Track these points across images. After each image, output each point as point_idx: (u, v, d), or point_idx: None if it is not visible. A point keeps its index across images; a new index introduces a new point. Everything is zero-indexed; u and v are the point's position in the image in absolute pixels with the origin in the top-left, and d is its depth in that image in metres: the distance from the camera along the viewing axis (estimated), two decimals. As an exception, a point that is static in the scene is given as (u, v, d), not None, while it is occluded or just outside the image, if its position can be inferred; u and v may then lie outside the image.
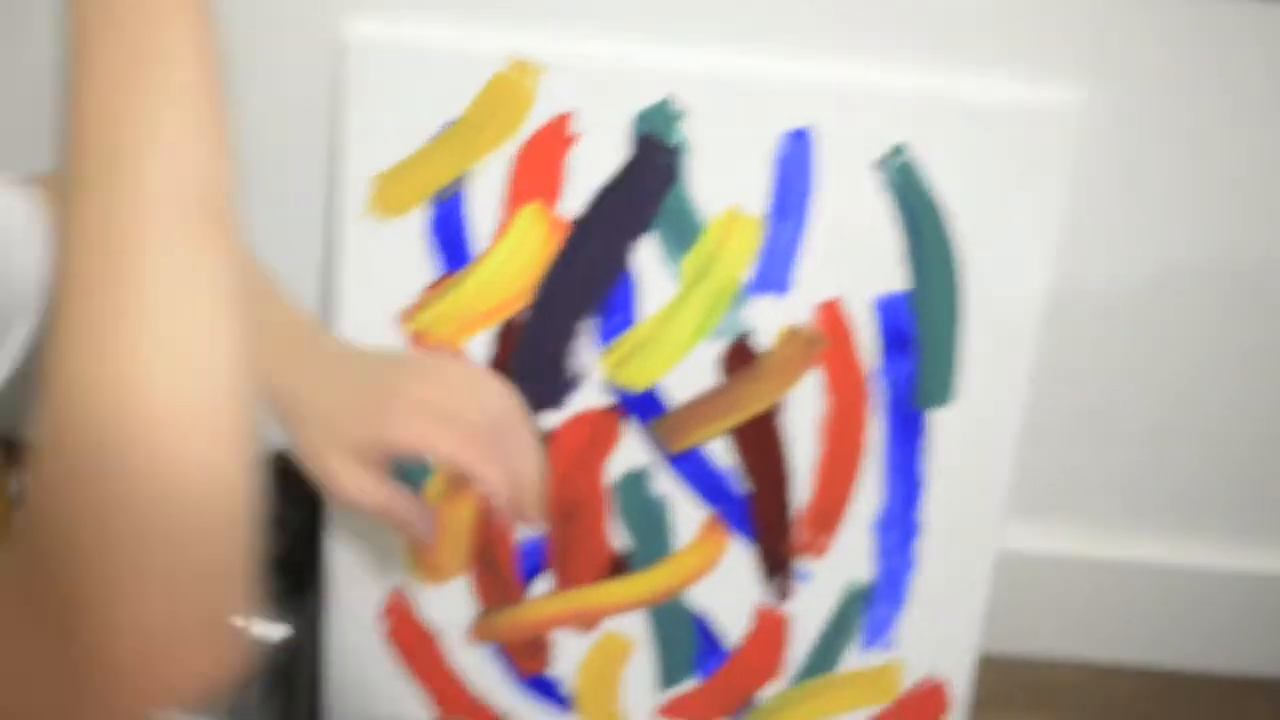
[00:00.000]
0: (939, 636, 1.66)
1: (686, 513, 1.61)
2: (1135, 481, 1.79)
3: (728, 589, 1.64)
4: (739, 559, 1.63)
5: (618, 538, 1.62)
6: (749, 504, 1.60)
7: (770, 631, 1.65)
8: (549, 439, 1.58)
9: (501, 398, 0.82)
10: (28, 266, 0.86)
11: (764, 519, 1.61)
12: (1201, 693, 1.94)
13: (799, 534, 1.61)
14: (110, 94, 0.68)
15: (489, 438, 0.82)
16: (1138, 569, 1.83)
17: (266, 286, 1.11)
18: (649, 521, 1.61)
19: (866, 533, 1.61)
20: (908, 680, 1.67)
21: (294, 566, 1.80)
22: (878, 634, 1.65)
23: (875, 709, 1.68)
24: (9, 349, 0.86)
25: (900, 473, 1.59)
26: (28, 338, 0.87)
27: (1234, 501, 1.81)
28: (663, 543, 1.62)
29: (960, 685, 1.68)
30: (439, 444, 0.82)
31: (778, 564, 1.62)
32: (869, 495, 1.60)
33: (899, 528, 1.61)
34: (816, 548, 1.62)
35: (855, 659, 1.66)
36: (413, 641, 1.67)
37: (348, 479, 1.09)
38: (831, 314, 1.55)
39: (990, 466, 1.59)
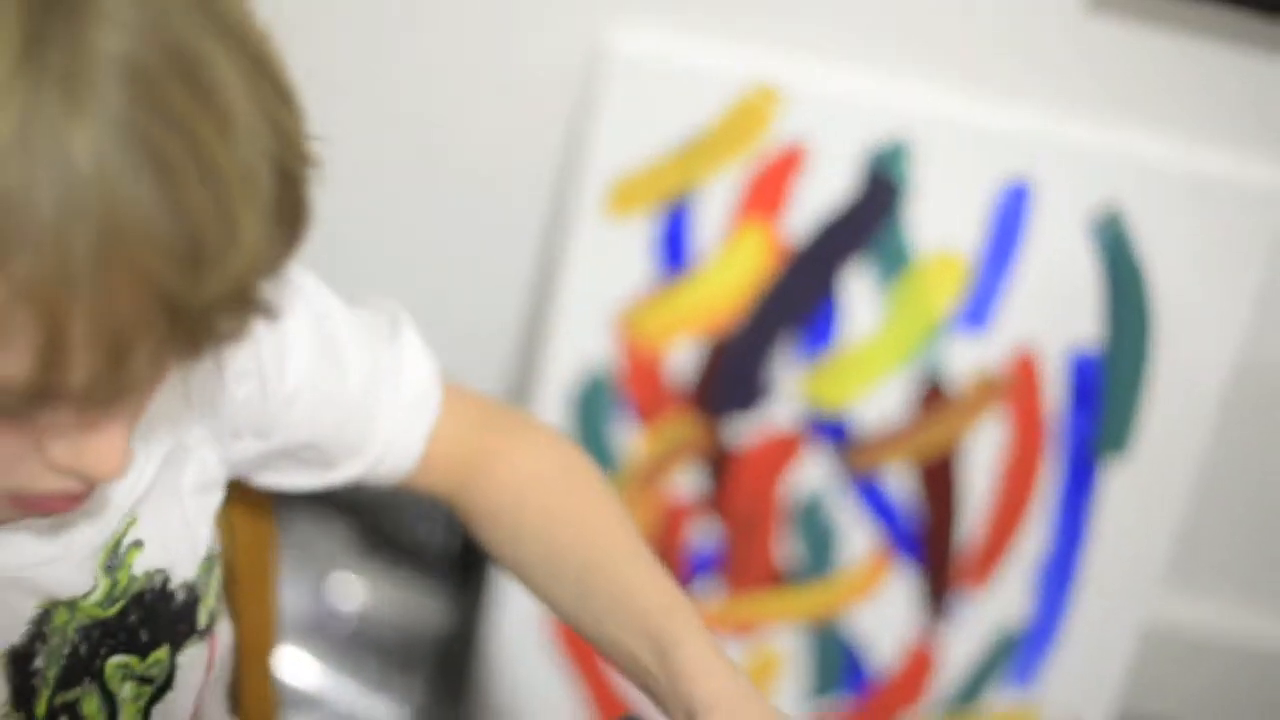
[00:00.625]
0: (1081, 686, 1.72)
1: (856, 537, 1.68)
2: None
3: (884, 616, 1.71)
4: (900, 588, 1.70)
5: (788, 552, 1.69)
6: (919, 534, 1.68)
7: (919, 662, 1.72)
8: (739, 450, 1.66)
9: None
10: (392, 419, 0.98)
11: (931, 550, 1.68)
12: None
13: (962, 568, 1.68)
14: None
15: None
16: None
17: None
18: (820, 540, 1.69)
19: (1026, 575, 1.69)
20: (1043, 725, 1.74)
21: (465, 561, 1.87)
22: (1023, 675, 1.72)
23: (1008, 750, 1.75)
24: (332, 478, 0.99)
25: (1067, 520, 1.67)
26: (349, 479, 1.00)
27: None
28: (830, 562, 1.69)
29: (1091, 737, 1.75)
30: None
31: (938, 594, 1.70)
32: (1034, 538, 1.67)
33: (1058, 573, 1.68)
34: (977, 583, 1.69)
35: (996, 698, 1.73)
36: (577, 641, 1.73)
37: None
38: (1024, 361, 1.63)
39: (1155, 526, 1.66)
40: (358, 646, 1.85)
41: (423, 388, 1.00)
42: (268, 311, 0.71)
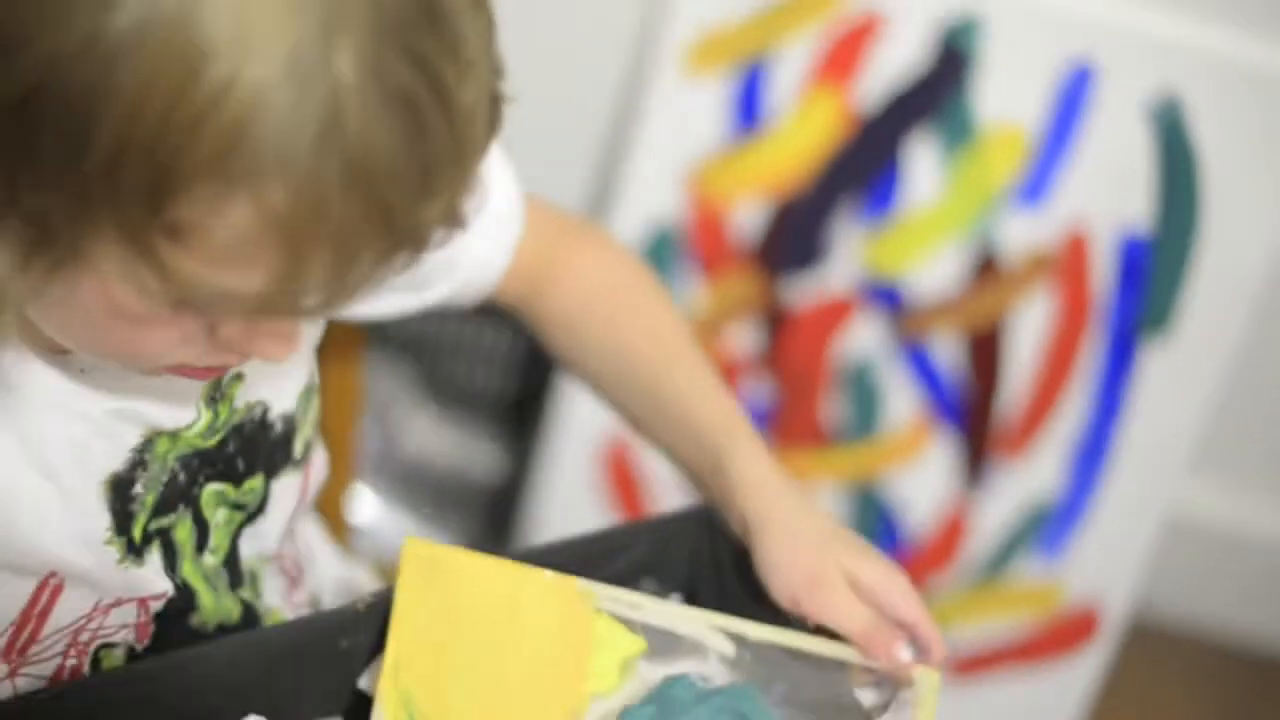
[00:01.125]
0: (1105, 566, 1.79)
1: (901, 402, 1.75)
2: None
3: (923, 481, 1.78)
4: (939, 455, 1.77)
5: (834, 413, 1.76)
6: (961, 403, 1.75)
7: (953, 528, 1.79)
8: (795, 311, 1.72)
9: (908, 596, 0.94)
10: (481, 235, 1.02)
11: (973, 419, 1.75)
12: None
13: (1000, 439, 1.75)
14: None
15: (892, 627, 0.94)
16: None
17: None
18: (866, 403, 1.75)
19: (1061, 449, 1.75)
20: (1066, 600, 1.81)
21: (520, 406, 1.93)
22: (1051, 548, 1.79)
23: (1031, 623, 1.82)
24: (426, 298, 1.03)
25: (1105, 398, 1.73)
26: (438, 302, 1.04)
27: None
28: (874, 425, 1.76)
29: (1113, 617, 1.81)
30: (853, 623, 0.94)
31: (975, 463, 1.76)
32: (1072, 414, 1.74)
33: (1092, 450, 1.75)
34: (1013, 454, 1.76)
35: (1023, 570, 1.80)
36: (627, 488, 1.80)
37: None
38: (1075, 239, 1.69)
39: (1190, 410, 1.73)
40: (415, 485, 1.93)
41: (509, 203, 1.04)
42: (466, 223, 0.77)
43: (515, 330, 1.92)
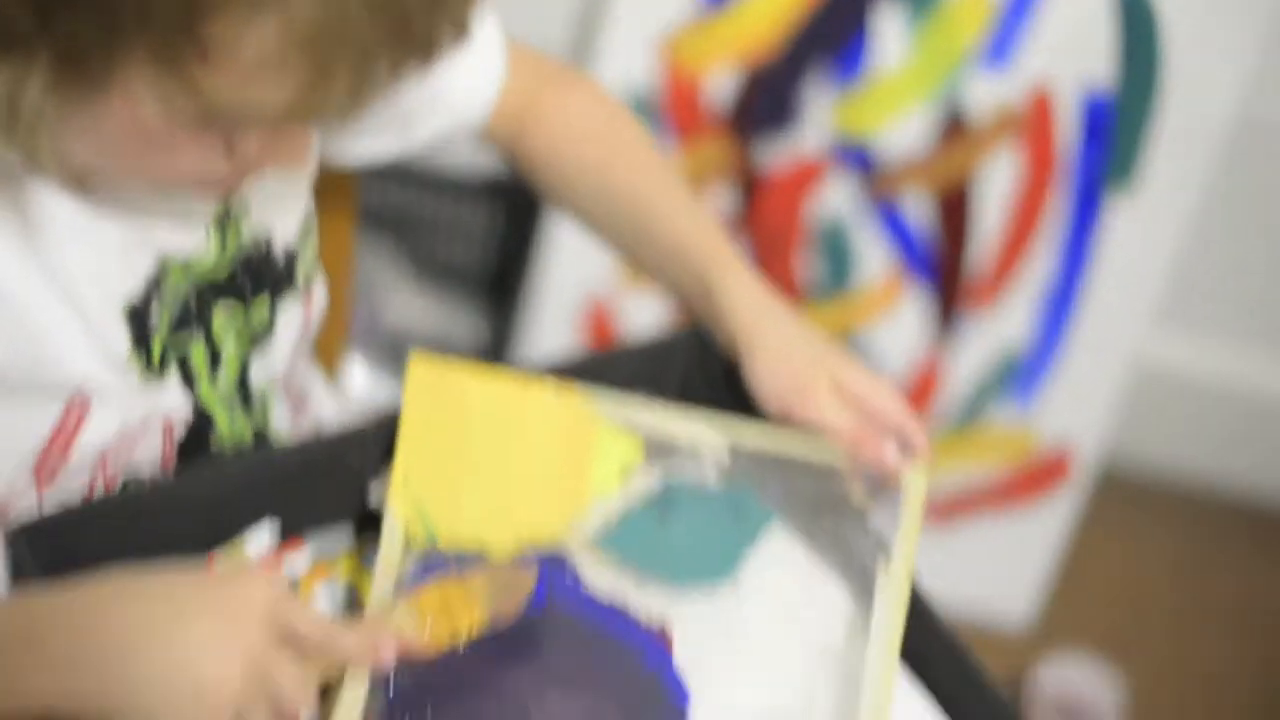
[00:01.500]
0: (1075, 413, 1.86)
1: (874, 258, 1.81)
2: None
3: (897, 334, 1.84)
4: (912, 308, 1.82)
5: (809, 271, 1.82)
6: (932, 258, 1.80)
7: (927, 378, 1.85)
8: (769, 174, 1.78)
9: (894, 401, 0.98)
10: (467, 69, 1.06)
11: (943, 273, 1.81)
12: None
13: (971, 291, 1.81)
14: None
15: (880, 430, 0.98)
16: (1268, 395, 2.05)
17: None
18: (840, 261, 1.81)
19: (1030, 300, 1.81)
20: (1038, 446, 1.87)
21: (501, 278, 1.99)
22: (1022, 395, 1.85)
23: (1004, 468, 1.88)
24: (414, 138, 1.07)
25: (1072, 250, 1.79)
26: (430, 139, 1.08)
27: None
28: (848, 282, 1.82)
29: (1084, 461, 1.88)
30: (842, 427, 0.98)
31: (947, 314, 1.82)
32: (1039, 266, 1.80)
33: (1060, 300, 1.81)
34: (984, 305, 1.81)
35: (996, 417, 1.86)
36: (608, 346, 1.86)
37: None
38: (1040, 98, 1.75)
39: (1154, 261, 1.79)
40: (401, 356, 1.97)
41: (491, 45, 1.09)
42: (470, 36, 0.81)
43: (494, 208, 1.98)
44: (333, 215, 1.27)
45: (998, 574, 1.93)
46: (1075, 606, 2.00)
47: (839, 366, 1.00)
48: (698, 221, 1.08)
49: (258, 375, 1.02)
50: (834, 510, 0.99)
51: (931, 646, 0.96)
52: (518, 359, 1.87)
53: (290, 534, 0.98)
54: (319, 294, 1.07)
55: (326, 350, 1.34)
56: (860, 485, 0.99)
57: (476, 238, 2.00)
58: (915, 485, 0.99)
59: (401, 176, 1.94)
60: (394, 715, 0.87)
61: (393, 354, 1.97)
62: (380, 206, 1.98)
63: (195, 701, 0.79)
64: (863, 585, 0.96)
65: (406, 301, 2.00)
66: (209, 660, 0.79)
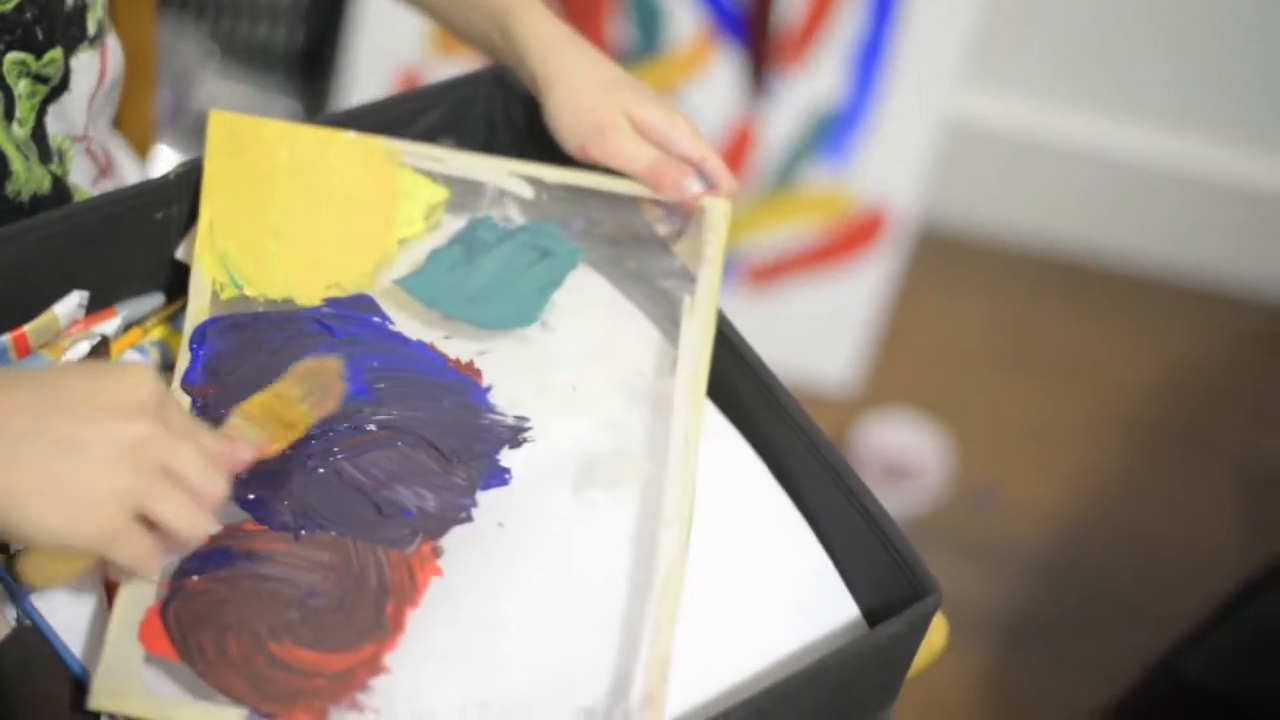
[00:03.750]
0: (888, 168, 1.87)
1: (684, 19, 1.80)
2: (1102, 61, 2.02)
3: (710, 95, 1.83)
4: (724, 69, 1.82)
5: (620, 34, 1.80)
6: (742, 16, 1.80)
7: (742, 139, 1.86)
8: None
9: (691, 134, 0.97)
10: None
11: (753, 31, 1.80)
12: (1114, 286, 2.18)
13: (781, 49, 1.81)
14: None
15: (678, 164, 0.97)
16: (1080, 151, 2.08)
17: None
18: (649, 22, 1.80)
19: (841, 57, 1.82)
20: (853, 204, 1.89)
21: (310, 57, 1.96)
22: (836, 153, 1.86)
23: (821, 227, 1.90)
24: None
25: (880, 5, 1.80)
26: None
27: (1194, 96, 2.05)
28: (659, 44, 1.81)
29: (899, 218, 1.90)
30: (638, 164, 0.97)
31: (759, 74, 1.82)
32: (848, 22, 1.80)
33: (870, 55, 1.82)
34: (795, 62, 1.82)
35: (812, 178, 1.87)
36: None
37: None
38: None
39: (963, 14, 1.80)
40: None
41: None
42: None
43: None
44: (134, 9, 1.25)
45: (819, 337, 1.95)
46: (896, 366, 2.04)
47: (636, 103, 1.00)
48: None
49: (55, 127, 1.00)
50: (638, 243, 0.99)
51: (742, 378, 0.96)
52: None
53: (100, 303, 0.97)
54: (114, 49, 1.05)
55: (134, 132, 1.32)
56: (663, 219, 1.00)
57: (283, 16, 1.96)
58: (716, 213, 1.00)
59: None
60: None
61: (200, 139, 1.93)
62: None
63: (87, 492, 0.76)
64: (669, 316, 0.97)
65: (214, 84, 1.96)
66: (97, 449, 0.76)
